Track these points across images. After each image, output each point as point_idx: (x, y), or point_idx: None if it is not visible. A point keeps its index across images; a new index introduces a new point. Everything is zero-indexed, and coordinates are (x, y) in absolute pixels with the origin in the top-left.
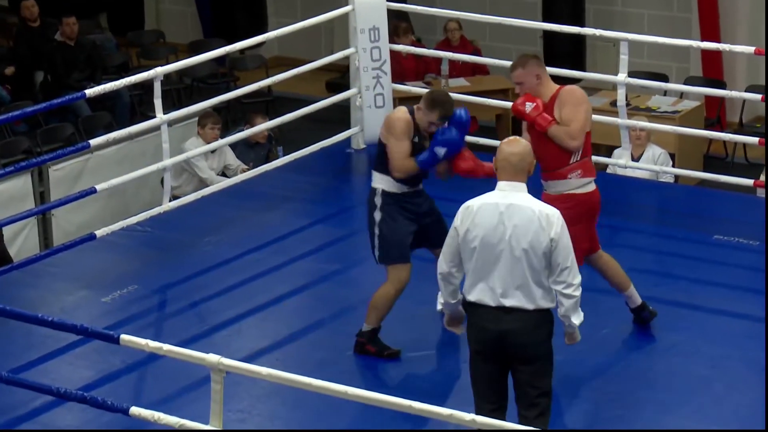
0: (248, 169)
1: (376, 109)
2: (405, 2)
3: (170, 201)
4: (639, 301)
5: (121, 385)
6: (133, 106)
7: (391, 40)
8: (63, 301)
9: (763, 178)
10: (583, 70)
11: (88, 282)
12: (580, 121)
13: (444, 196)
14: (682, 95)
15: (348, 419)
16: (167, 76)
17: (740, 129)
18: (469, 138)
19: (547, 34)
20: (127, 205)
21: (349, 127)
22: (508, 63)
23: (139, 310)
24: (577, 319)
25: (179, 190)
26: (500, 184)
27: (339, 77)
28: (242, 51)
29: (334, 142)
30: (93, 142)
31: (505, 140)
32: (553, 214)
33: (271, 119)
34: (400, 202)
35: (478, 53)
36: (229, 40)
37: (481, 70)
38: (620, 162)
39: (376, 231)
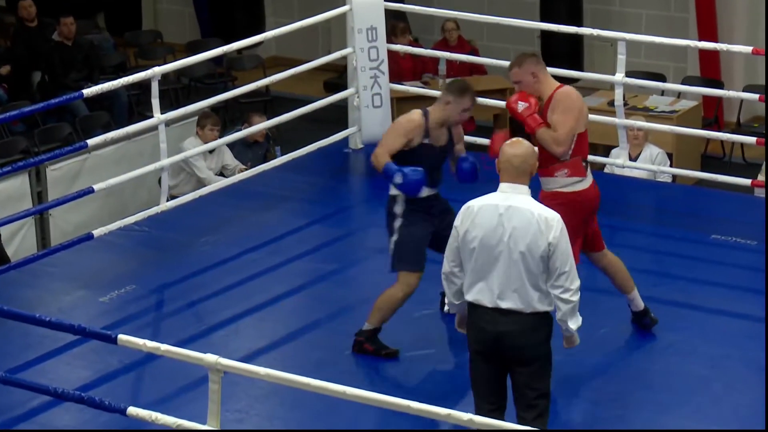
0: (246, 169)
1: (373, 108)
2: (402, 2)
3: (168, 201)
4: (642, 306)
5: (118, 385)
6: (130, 106)
7: (389, 40)
8: (60, 301)
9: (760, 177)
10: (581, 69)
11: (85, 282)
12: (567, 127)
13: (446, 196)
14: (679, 95)
15: (346, 419)
16: (165, 76)
17: (738, 129)
18: (467, 138)
19: (545, 34)
20: (124, 204)
21: (346, 127)
22: (505, 63)
23: (137, 310)
24: (574, 324)
25: (177, 190)
26: (502, 185)
27: (336, 77)
28: (240, 51)
29: (331, 141)
30: (90, 141)
31: (508, 142)
32: (553, 218)
33: (268, 119)
34: (420, 206)
35: (475, 53)
36: (227, 40)
37: (478, 69)
38: (618, 162)
39: (395, 237)
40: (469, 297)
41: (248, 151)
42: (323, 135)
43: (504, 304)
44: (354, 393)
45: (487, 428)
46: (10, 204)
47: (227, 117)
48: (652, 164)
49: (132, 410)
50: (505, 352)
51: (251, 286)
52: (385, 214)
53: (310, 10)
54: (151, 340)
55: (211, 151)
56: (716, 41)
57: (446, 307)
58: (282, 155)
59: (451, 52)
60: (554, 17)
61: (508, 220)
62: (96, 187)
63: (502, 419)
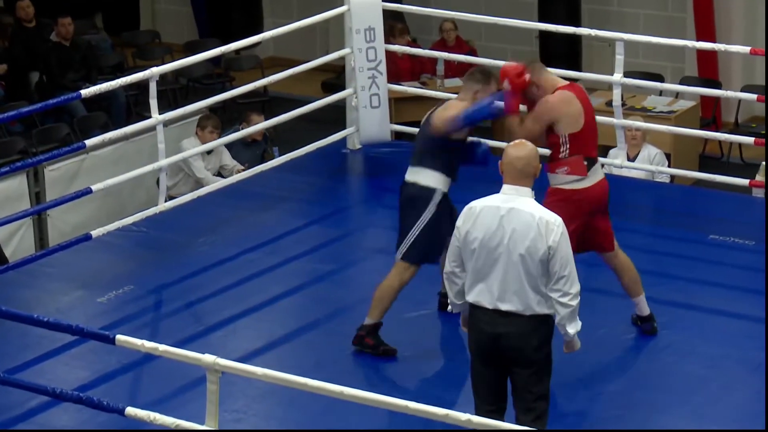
0: (244, 170)
1: (371, 109)
2: (400, 2)
3: (166, 201)
4: (647, 311)
5: (116, 385)
6: (128, 107)
7: (387, 41)
8: (59, 301)
9: (758, 177)
10: (579, 70)
11: (83, 282)
12: (525, 130)
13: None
14: (677, 95)
15: (344, 419)
16: (163, 77)
17: (736, 129)
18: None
19: (543, 35)
20: (122, 205)
21: (344, 128)
22: (503, 63)
23: (135, 311)
24: (572, 328)
25: (175, 190)
26: (505, 187)
27: (334, 77)
28: (238, 51)
29: (329, 142)
30: (88, 142)
31: (512, 143)
32: (554, 221)
33: (266, 119)
34: (448, 203)
35: (473, 53)
36: (225, 41)
37: None
38: (616, 162)
39: (418, 229)
40: (470, 298)
41: (246, 151)
42: (321, 135)
43: (504, 306)
44: (352, 393)
45: (485, 428)
46: (8, 204)
47: (225, 117)
48: (650, 164)
49: (130, 410)
50: (503, 354)
51: (249, 287)
52: (406, 202)
53: (308, 10)
54: (149, 340)
55: (209, 152)
56: (714, 41)
57: (449, 307)
58: (280, 155)
59: (449, 52)
60: (552, 17)
61: (509, 222)
62: (94, 187)
63: (502, 420)
